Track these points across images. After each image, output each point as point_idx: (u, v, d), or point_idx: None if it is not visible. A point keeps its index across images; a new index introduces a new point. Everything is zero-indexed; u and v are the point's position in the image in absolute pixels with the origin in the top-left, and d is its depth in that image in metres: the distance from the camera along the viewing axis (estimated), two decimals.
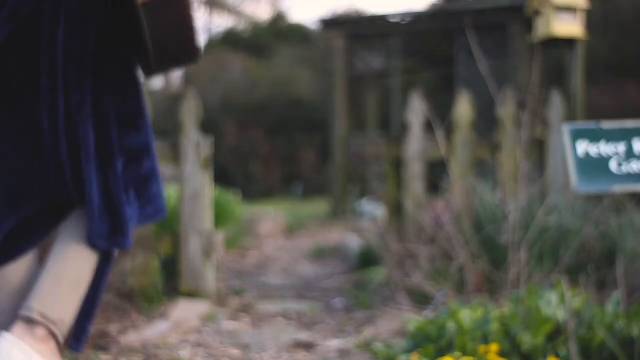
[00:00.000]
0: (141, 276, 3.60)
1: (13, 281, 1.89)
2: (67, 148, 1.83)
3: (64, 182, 1.86)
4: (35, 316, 1.80)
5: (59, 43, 1.82)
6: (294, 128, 16.71)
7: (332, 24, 10.76)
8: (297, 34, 19.79)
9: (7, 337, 1.77)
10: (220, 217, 6.02)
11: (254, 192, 14.11)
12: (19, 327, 1.80)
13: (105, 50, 1.88)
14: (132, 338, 2.87)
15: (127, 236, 1.88)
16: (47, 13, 1.83)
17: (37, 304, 1.81)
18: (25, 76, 1.83)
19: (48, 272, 1.85)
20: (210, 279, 3.78)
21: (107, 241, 1.87)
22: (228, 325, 3.26)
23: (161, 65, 1.91)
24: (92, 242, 1.86)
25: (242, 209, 7.48)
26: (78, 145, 1.83)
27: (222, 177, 9.46)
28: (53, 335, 1.81)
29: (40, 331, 1.80)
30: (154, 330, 2.99)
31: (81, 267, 1.88)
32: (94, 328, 2.92)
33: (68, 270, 1.86)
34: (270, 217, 8.31)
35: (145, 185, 1.94)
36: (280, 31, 20.02)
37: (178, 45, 1.89)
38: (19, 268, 1.90)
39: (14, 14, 1.81)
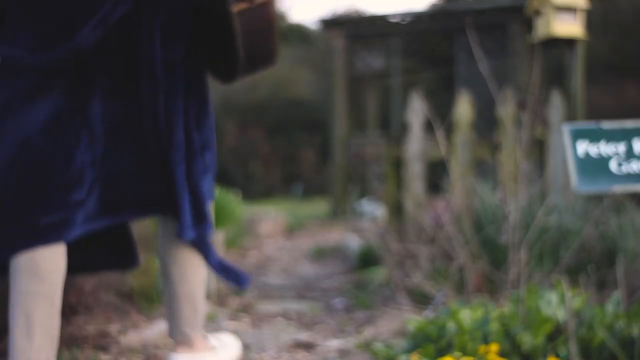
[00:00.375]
0: (141, 276, 3.59)
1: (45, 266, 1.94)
2: (169, 150, 2.02)
3: (158, 178, 2.04)
4: (193, 336, 2.17)
5: (157, 53, 1.98)
6: (294, 128, 16.72)
7: (332, 24, 10.77)
8: (297, 34, 19.80)
9: (178, 357, 2.17)
10: (220, 217, 6.02)
11: (254, 192, 14.11)
12: (182, 349, 2.17)
13: (190, 57, 2.05)
14: (132, 338, 2.87)
15: (209, 223, 2.11)
16: (143, 22, 1.97)
17: (188, 328, 2.17)
18: (116, 79, 1.98)
19: (182, 298, 2.16)
20: (210, 279, 3.78)
21: (194, 231, 2.07)
22: (228, 325, 3.26)
23: (247, 70, 2.07)
24: (181, 234, 2.05)
25: (242, 209, 7.47)
26: (172, 147, 2.02)
27: (222, 177, 9.45)
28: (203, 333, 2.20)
29: (197, 342, 2.18)
30: (154, 330, 2.99)
31: (199, 275, 2.18)
32: (94, 328, 2.92)
33: (193, 287, 2.17)
34: (270, 217, 8.31)
35: (204, 177, 2.11)
36: (280, 31, 20.00)
37: (263, 51, 2.05)
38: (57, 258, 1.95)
39: (105, 19, 1.93)
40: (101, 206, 1.99)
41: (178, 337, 2.17)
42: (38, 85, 1.94)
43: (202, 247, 2.13)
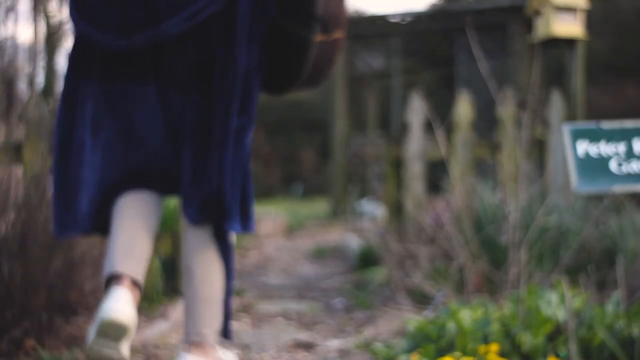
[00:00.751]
0: None
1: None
2: (233, 148, 2.13)
3: (213, 178, 2.15)
4: (209, 339, 2.18)
5: (241, 53, 2.11)
6: (294, 128, 16.70)
7: None
8: None
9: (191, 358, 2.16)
10: None
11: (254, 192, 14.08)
12: (195, 352, 2.17)
13: (257, 66, 2.18)
14: (132, 338, 2.86)
15: (253, 221, 2.22)
16: (230, 23, 2.10)
17: (206, 330, 2.18)
18: (191, 72, 2.13)
19: (203, 300, 2.19)
20: None
21: (240, 225, 2.18)
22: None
23: (300, 87, 2.27)
24: (230, 227, 2.16)
25: None
26: (239, 145, 2.16)
27: None
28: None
29: (209, 347, 2.19)
30: (154, 330, 2.99)
31: (222, 279, 2.22)
32: None
33: (214, 290, 2.20)
34: (270, 217, 8.30)
35: (250, 181, 2.25)
36: None
37: (319, 76, 2.25)
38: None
39: (196, 14, 2.07)
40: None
41: (194, 338, 2.19)
42: (119, 69, 2.12)
43: (229, 249, 2.21)
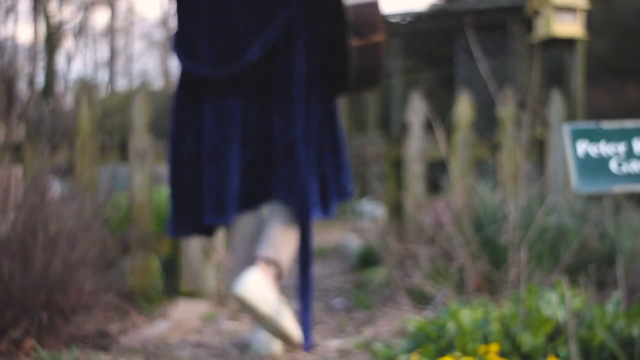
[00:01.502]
0: (141, 276, 3.60)
1: (246, 232, 2.58)
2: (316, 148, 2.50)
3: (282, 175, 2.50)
4: (274, 257, 2.42)
5: (303, 65, 2.44)
6: None
7: None
8: None
9: (255, 270, 2.37)
10: None
11: None
12: (261, 265, 2.40)
13: (320, 72, 2.50)
14: (132, 338, 2.87)
15: (334, 209, 2.56)
16: (291, 42, 2.43)
17: (282, 252, 2.44)
18: (259, 86, 2.47)
19: (278, 234, 2.47)
20: (210, 279, 3.78)
21: (323, 212, 2.52)
22: (228, 325, 3.26)
23: (354, 90, 2.57)
24: (312, 213, 2.46)
25: None
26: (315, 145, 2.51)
27: None
28: (278, 276, 2.45)
29: (273, 270, 2.42)
30: (154, 330, 2.99)
31: (293, 241, 2.51)
32: (94, 328, 2.92)
33: (288, 236, 2.49)
34: None
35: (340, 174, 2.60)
36: None
37: (370, 78, 2.49)
38: (249, 224, 2.59)
39: (268, 40, 2.43)
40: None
41: (265, 253, 2.42)
42: (213, 90, 2.48)
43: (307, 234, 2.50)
